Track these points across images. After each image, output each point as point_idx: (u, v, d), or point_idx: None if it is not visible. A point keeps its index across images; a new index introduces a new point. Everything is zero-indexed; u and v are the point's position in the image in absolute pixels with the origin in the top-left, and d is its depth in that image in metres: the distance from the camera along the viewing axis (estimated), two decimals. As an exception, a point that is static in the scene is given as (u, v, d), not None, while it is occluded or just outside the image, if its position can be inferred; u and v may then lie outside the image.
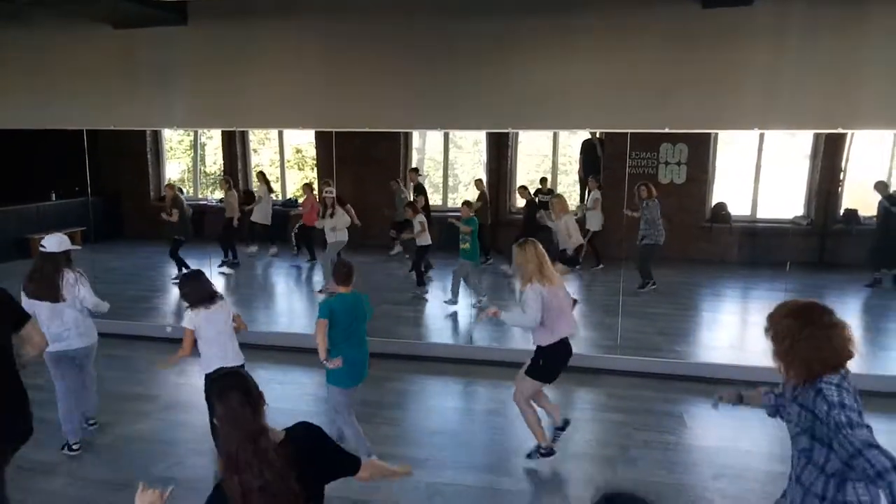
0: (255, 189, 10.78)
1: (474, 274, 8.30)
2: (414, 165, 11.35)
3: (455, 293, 8.24)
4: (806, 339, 2.34)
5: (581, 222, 9.13)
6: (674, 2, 5.98)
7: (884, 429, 5.28)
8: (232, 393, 2.17)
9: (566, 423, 4.66)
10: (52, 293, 4.54)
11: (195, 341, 4.33)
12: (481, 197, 10.34)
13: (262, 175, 10.88)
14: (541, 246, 4.42)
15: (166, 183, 10.58)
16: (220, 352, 4.34)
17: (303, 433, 2.39)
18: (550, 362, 4.42)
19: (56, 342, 4.53)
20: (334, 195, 8.81)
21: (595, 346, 6.94)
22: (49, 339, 4.47)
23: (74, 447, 4.73)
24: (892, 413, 5.52)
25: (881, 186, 8.95)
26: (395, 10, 6.46)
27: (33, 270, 4.60)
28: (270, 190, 10.72)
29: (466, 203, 8.42)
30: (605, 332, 7.19)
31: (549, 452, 4.56)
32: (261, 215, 10.39)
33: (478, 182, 10.66)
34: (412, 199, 9.75)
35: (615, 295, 7.25)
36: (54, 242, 4.61)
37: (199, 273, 4.46)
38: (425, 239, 8.67)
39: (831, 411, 2.26)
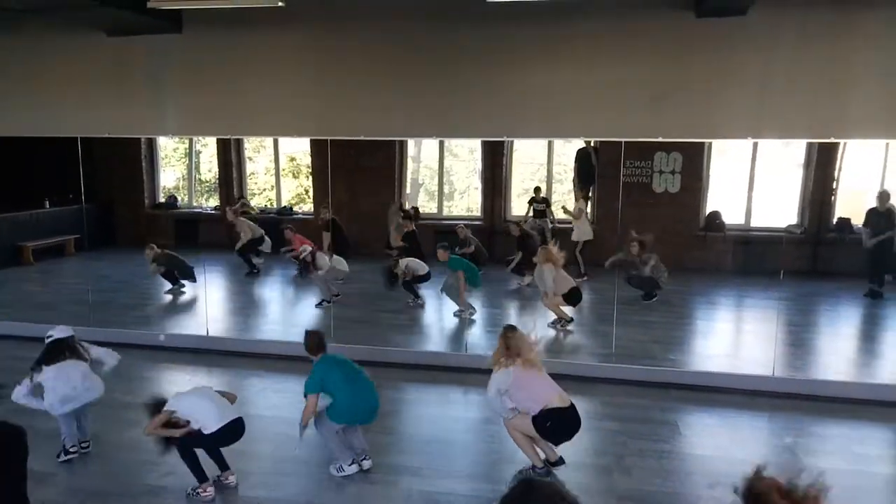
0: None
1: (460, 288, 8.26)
2: (405, 187, 11.37)
3: (464, 303, 8.18)
4: None
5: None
6: (668, 11, 6.02)
7: (879, 436, 5.31)
8: None
9: (560, 461, 4.59)
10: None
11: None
12: (462, 242, 9.69)
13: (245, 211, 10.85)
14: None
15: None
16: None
17: None
18: (553, 425, 4.38)
19: (67, 403, 4.60)
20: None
21: (590, 355, 6.93)
22: (60, 402, 4.57)
23: (72, 449, 4.75)
24: (887, 422, 5.52)
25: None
26: (390, 18, 6.49)
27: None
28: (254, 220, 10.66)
29: (443, 247, 8.26)
30: (600, 341, 7.18)
31: (547, 472, 4.53)
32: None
33: (460, 228, 9.85)
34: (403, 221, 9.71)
35: (610, 303, 7.25)
36: (59, 331, 4.79)
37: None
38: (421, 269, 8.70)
39: None
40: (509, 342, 4.46)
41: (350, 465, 4.53)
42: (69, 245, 11.21)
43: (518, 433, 4.47)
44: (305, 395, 4.45)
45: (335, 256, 8.91)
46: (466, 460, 4.84)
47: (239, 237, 10.21)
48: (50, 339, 4.74)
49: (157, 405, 4.30)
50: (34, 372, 4.60)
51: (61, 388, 4.57)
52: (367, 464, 4.63)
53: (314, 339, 4.58)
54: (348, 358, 4.71)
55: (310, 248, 8.94)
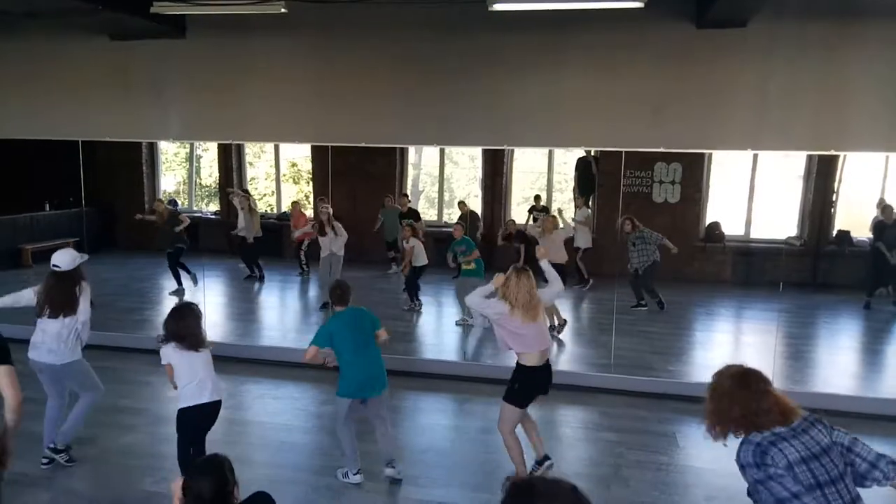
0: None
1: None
2: (405, 190, 11.35)
3: (467, 311, 8.09)
4: None
5: (569, 240, 9.02)
6: (668, 22, 6.04)
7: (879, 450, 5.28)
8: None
9: (546, 459, 4.59)
10: (68, 308, 4.49)
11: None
12: (463, 217, 10.20)
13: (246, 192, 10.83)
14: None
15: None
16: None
17: None
18: (521, 387, 4.38)
19: (31, 349, 4.52)
20: (330, 212, 8.81)
21: (589, 365, 6.92)
22: (30, 346, 4.48)
23: (44, 461, 4.65)
24: (887, 436, 5.51)
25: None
26: (393, 26, 6.51)
27: (49, 289, 4.49)
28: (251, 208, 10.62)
29: (460, 224, 8.33)
30: (599, 351, 7.17)
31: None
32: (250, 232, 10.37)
33: (461, 203, 10.52)
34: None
35: (609, 313, 7.25)
36: (68, 260, 4.50)
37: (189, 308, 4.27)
38: (422, 259, 8.66)
39: None
40: (520, 285, 4.24)
41: (356, 475, 4.50)
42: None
43: (512, 441, 4.43)
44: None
45: None
46: (464, 470, 4.82)
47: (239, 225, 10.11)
48: (59, 271, 4.46)
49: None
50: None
51: (36, 335, 4.49)
52: (391, 471, 4.55)
53: (337, 291, 4.55)
54: (369, 313, 4.58)
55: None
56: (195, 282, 9.35)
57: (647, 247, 8.58)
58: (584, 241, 9.61)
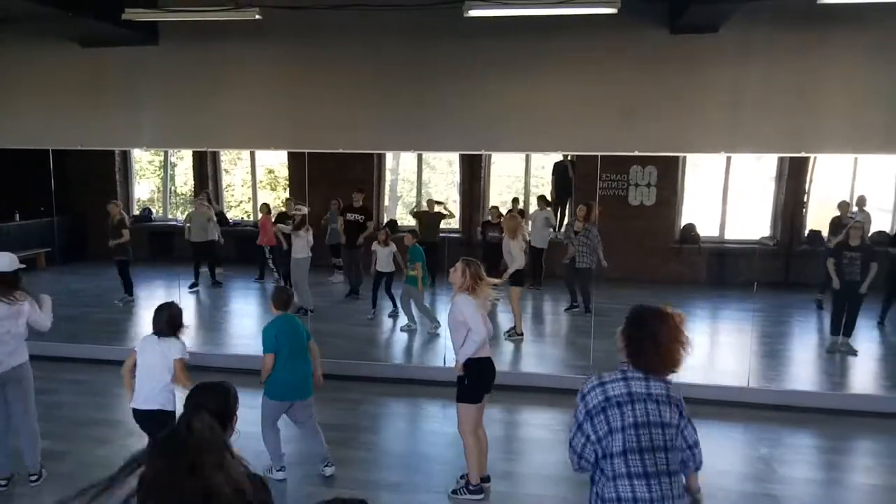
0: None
1: (419, 298, 8.10)
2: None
3: (410, 317, 8.14)
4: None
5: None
6: (643, 28, 6.12)
7: (852, 447, 5.36)
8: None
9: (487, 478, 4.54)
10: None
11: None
12: (424, 216, 9.97)
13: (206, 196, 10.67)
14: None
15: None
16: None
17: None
18: (474, 379, 4.32)
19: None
20: (304, 213, 8.76)
21: (568, 367, 6.94)
22: None
23: (1, 483, 4.42)
24: (860, 432, 5.60)
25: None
26: (369, 32, 6.51)
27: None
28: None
29: (412, 232, 8.25)
30: (578, 353, 7.21)
31: (478, 490, 4.42)
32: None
33: (430, 202, 10.22)
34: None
35: (587, 315, 7.29)
36: (5, 262, 4.31)
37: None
38: (384, 266, 8.51)
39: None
40: (473, 271, 4.31)
41: (279, 471, 4.59)
42: (40, 259, 10.96)
43: (472, 440, 4.38)
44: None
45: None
46: (445, 475, 4.80)
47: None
48: None
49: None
50: None
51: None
52: (328, 470, 4.65)
53: (283, 296, 4.64)
54: (303, 324, 4.71)
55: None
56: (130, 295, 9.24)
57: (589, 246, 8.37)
58: (541, 242, 9.63)
